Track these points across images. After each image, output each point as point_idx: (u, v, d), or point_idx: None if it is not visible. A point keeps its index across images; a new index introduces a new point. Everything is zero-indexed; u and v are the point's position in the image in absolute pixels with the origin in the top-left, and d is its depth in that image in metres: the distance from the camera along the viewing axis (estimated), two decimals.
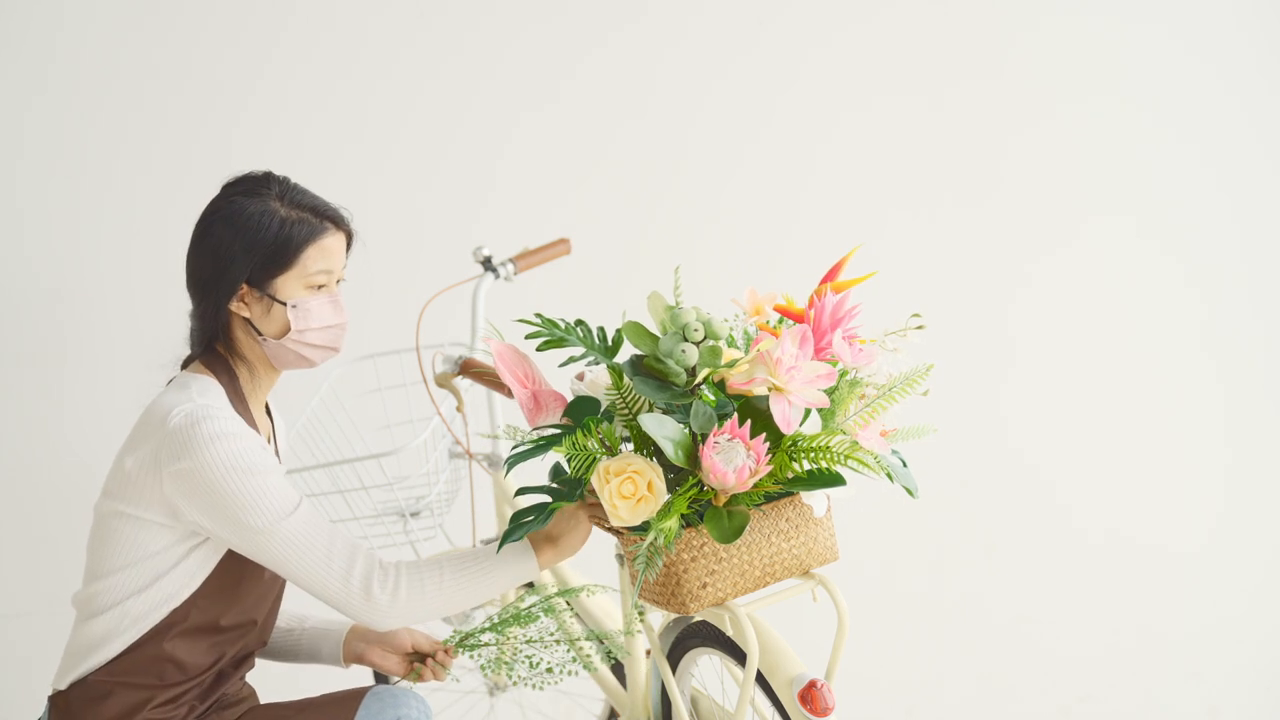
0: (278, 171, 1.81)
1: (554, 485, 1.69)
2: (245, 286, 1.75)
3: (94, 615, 1.75)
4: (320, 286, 1.78)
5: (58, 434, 3.03)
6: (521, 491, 1.76)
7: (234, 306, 1.77)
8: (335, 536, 1.71)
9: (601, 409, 1.65)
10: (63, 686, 1.77)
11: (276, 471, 1.72)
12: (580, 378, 1.72)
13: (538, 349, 1.69)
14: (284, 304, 1.76)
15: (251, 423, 1.80)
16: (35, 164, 3.02)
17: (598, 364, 1.71)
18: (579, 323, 1.70)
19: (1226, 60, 3.29)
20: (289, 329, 1.77)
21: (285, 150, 2.99)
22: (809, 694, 1.64)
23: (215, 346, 1.80)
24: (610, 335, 1.71)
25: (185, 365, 1.84)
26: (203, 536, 1.74)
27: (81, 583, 1.79)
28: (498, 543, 1.75)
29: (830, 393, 1.63)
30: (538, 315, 1.69)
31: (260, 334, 1.78)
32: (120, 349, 3.01)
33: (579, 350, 1.70)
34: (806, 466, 1.60)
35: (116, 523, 1.73)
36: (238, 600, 1.79)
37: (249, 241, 1.73)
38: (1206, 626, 3.19)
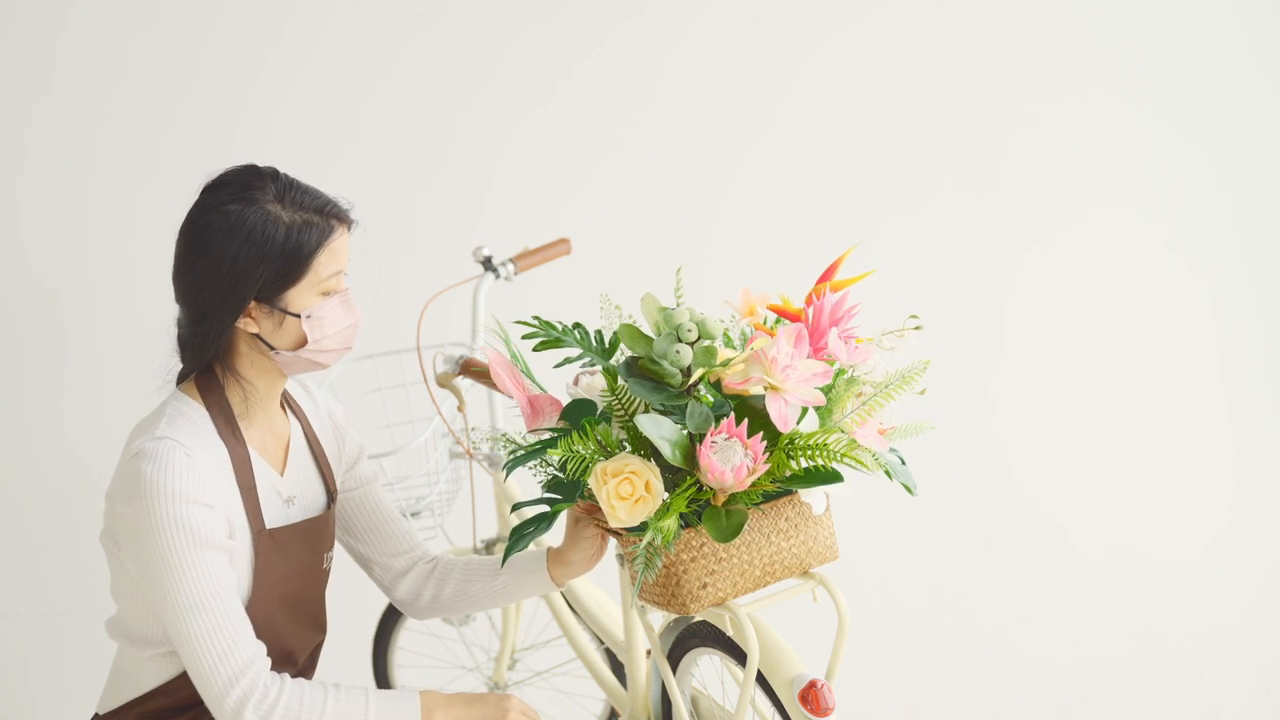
0: (261, 164, 1.69)
1: (550, 495, 1.69)
2: (253, 302, 1.63)
3: (128, 641, 1.74)
4: (331, 290, 1.67)
5: (58, 434, 3.03)
6: (518, 507, 1.77)
7: (241, 324, 1.65)
8: (238, 639, 1.61)
9: (598, 411, 1.66)
10: (102, 712, 1.78)
11: (215, 546, 1.62)
12: (575, 382, 1.73)
13: (534, 349, 1.69)
14: (297, 316, 1.64)
15: (241, 447, 1.70)
16: (36, 164, 3.02)
17: (594, 365, 1.71)
18: (576, 325, 1.71)
19: (1228, 54, 3.28)
20: (305, 340, 1.66)
21: (286, 150, 2.98)
22: (809, 694, 1.63)
23: (213, 365, 1.69)
24: (608, 337, 1.71)
25: (180, 380, 1.74)
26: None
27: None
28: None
29: (827, 391, 1.63)
30: (535, 318, 1.69)
31: (272, 348, 1.67)
32: (121, 349, 3.01)
33: (575, 352, 1.70)
34: (804, 464, 1.60)
35: (112, 556, 1.71)
36: (276, 633, 1.76)
37: (255, 255, 1.59)
38: (1208, 627, 3.19)
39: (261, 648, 1.63)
